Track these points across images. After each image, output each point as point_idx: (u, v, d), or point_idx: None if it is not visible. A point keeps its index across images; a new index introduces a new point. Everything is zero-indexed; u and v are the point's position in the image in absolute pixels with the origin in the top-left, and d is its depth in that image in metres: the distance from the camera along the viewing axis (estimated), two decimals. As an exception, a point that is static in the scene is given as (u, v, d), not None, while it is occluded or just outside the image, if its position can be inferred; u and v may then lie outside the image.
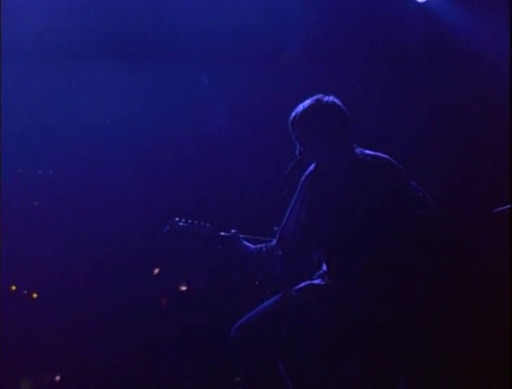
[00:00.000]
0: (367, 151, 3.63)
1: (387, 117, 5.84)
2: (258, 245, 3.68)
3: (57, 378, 5.97)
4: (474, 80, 5.79)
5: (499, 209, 4.06)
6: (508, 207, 4.06)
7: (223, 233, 3.78)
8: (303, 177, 3.53)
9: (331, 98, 3.70)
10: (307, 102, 3.71)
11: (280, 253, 3.51)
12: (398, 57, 5.97)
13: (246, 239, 3.77)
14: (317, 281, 3.58)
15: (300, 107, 3.70)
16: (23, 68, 5.77)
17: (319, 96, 3.71)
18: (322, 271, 3.62)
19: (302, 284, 3.58)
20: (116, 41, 5.89)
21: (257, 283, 3.96)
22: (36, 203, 6.15)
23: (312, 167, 3.53)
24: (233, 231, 3.78)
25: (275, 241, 3.57)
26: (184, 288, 6.17)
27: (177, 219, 3.78)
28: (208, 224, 3.80)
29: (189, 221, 3.79)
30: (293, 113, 3.72)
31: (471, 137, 5.74)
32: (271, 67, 6.01)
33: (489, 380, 4.65)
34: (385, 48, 5.96)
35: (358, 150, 3.63)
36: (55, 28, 5.66)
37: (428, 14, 5.92)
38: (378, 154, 3.64)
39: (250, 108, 6.00)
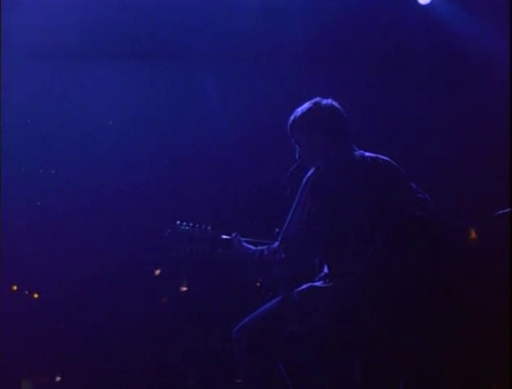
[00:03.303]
0: (367, 154, 3.62)
1: (389, 118, 5.83)
2: (260, 248, 3.67)
3: (58, 378, 5.97)
4: (476, 81, 5.79)
5: (501, 212, 4.06)
6: (510, 210, 4.06)
7: (224, 236, 3.77)
8: (304, 180, 3.53)
9: (329, 101, 3.70)
10: (305, 106, 3.70)
11: (283, 255, 3.51)
12: (400, 59, 5.97)
13: (247, 242, 3.76)
14: (318, 283, 3.58)
15: (299, 111, 3.70)
16: (25, 68, 5.75)
17: (317, 99, 3.71)
18: (323, 274, 3.62)
19: (303, 286, 3.56)
20: (118, 42, 5.87)
21: (258, 285, 3.96)
22: (38, 203, 6.14)
23: (312, 170, 3.53)
24: (234, 234, 3.77)
25: (276, 243, 3.57)
26: (185, 288, 6.17)
27: (179, 222, 3.79)
28: (209, 227, 3.80)
29: (191, 224, 3.79)
30: (292, 117, 3.71)
31: (474, 139, 5.75)
32: (273, 69, 5.99)
33: (489, 380, 4.66)
34: (387, 50, 5.96)
35: (358, 152, 3.62)
36: (56, 28, 5.64)
37: (431, 16, 5.91)
38: (379, 156, 3.63)
39: (252, 109, 5.99)
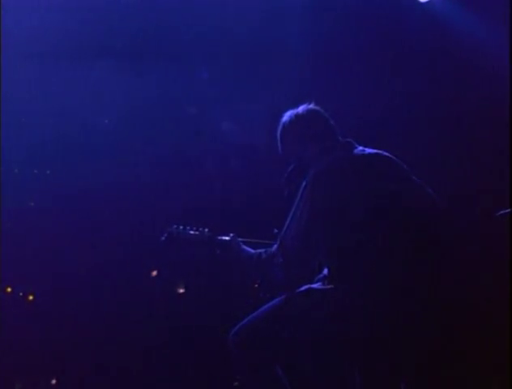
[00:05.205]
0: (368, 150, 3.60)
1: (387, 117, 5.83)
2: (258, 251, 3.65)
3: (53, 381, 5.94)
4: (475, 79, 5.79)
5: (502, 212, 4.05)
6: (510, 210, 4.05)
7: (221, 237, 3.76)
8: (303, 184, 3.50)
9: (304, 107, 3.71)
10: (283, 120, 3.72)
11: (281, 259, 3.48)
12: (399, 56, 5.97)
13: (245, 242, 3.75)
14: (316, 285, 3.55)
15: (280, 128, 3.72)
16: (21, 68, 5.73)
17: (292, 111, 3.72)
18: (322, 275, 3.60)
19: (302, 288, 3.54)
20: (115, 41, 5.89)
21: (256, 286, 3.95)
22: (32, 204, 6.12)
23: (311, 173, 3.50)
24: (232, 235, 3.76)
25: (275, 246, 3.54)
26: (182, 290, 6.16)
27: (175, 226, 3.79)
28: (207, 230, 3.79)
29: (188, 227, 3.79)
30: (277, 137, 3.72)
31: (474, 138, 5.75)
32: (272, 69, 5.98)
33: (490, 381, 4.65)
34: (386, 47, 5.96)
35: (358, 149, 3.60)
36: (55, 28, 5.64)
37: (430, 13, 5.91)
38: (379, 152, 3.61)
39: (251, 109, 5.98)
